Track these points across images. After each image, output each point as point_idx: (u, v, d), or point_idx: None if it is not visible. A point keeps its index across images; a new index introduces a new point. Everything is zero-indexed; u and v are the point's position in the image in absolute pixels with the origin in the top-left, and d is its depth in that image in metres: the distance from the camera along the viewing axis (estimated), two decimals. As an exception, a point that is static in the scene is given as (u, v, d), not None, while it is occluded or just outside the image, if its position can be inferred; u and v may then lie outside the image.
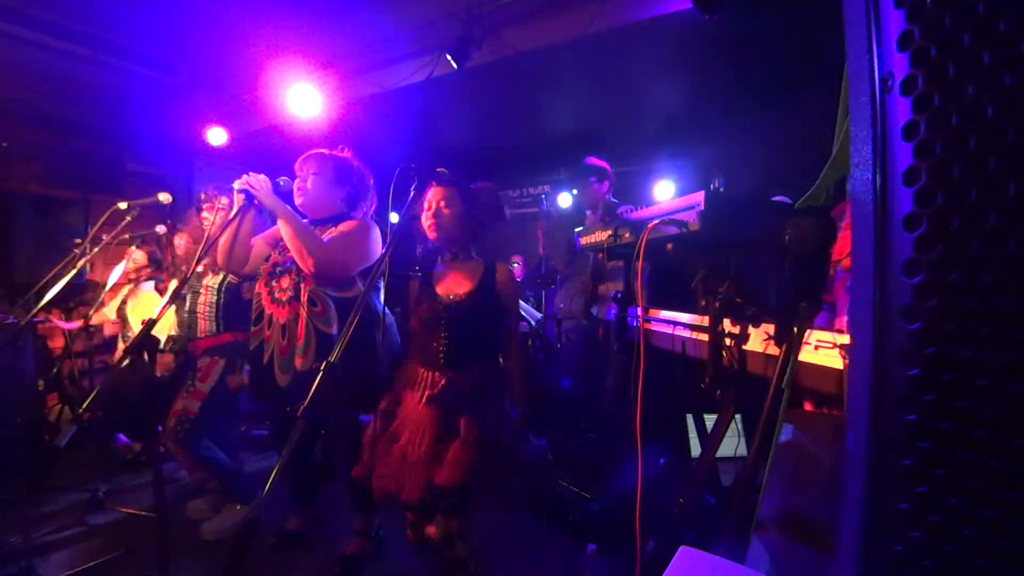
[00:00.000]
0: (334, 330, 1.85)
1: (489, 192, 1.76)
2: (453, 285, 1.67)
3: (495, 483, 1.61)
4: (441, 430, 1.57)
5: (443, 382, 1.61)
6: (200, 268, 2.39)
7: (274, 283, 1.91)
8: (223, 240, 1.89)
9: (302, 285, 1.85)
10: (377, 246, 1.94)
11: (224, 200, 2.27)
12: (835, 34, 0.62)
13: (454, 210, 1.66)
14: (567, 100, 4.01)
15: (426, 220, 1.68)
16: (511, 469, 1.66)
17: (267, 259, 1.96)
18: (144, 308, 3.11)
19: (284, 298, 1.88)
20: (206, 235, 2.33)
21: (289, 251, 1.90)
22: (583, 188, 3.03)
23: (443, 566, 1.68)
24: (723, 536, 1.20)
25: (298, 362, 1.81)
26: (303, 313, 1.83)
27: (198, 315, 2.34)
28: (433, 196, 1.68)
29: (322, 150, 2.01)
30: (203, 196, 2.35)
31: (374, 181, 2.12)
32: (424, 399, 1.61)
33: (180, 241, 2.61)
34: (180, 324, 2.44)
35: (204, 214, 2.34)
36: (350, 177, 2.01)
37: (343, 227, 1.93)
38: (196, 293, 2.36)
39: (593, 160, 3.08)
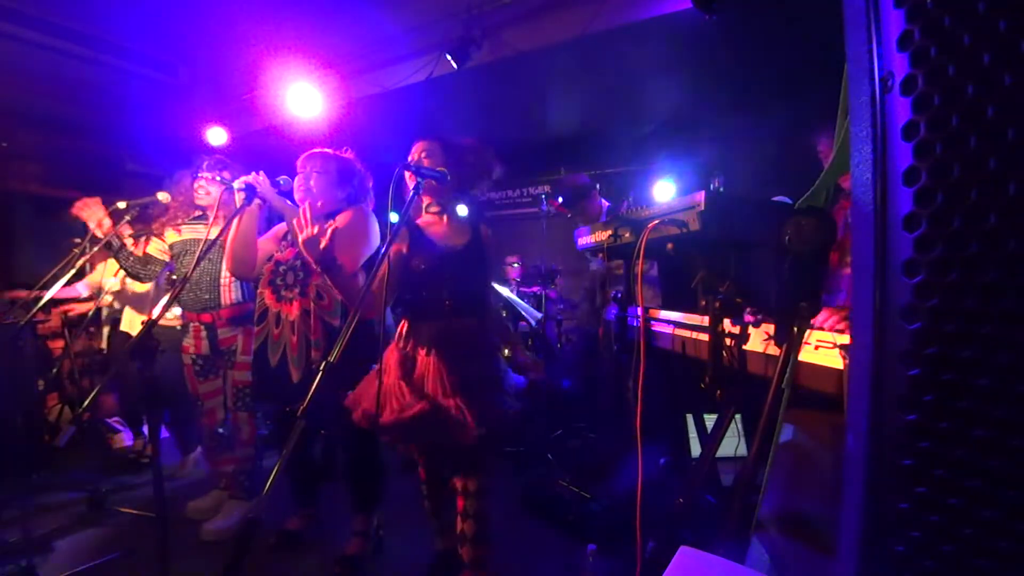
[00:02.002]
0: (339, 322, 1.90)
1: (475, 150, 1.75)
2: (447, 237, 1.70)
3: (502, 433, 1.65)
4: (454, 376, 1.59)
5: (447, 326, 1.64)
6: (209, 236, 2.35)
7: (279, 281, 1.91)
8: (227, 243, 1.90)
9: (308, 280, 1.88)
10: (377, 233, 1.96)
11: (227, 175, 2.27)
12: (835, 34, 0.62)
13: (434, 163, 1.66)
14: (567, 100, 4.01)
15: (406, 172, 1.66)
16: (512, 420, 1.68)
17: (269, 259, 1.97)
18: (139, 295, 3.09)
19: (291, 295, 1.89)
20: (205, 206, 2.30)
21: (291, 248, 1.91)
22: (579, 211, 3.03)
23: (454, 537, 1.72)
24: (723, 536, 1.20)
25: (315, 355, 1.85)
26: (313, 308, 1.84)
27: (221, 285, 2.30)
28: (416, 150, 1.71)
29: (327, 149, 2.02)
30: (205, 164, 2.30)
31: (374, 182, 2.13)
32: (432, 350, 1.63)
33: (163, 198, 2.34)
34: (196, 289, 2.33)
35: (200, 183, 2.29)
36: (352, 178, 2.03)
37: (341, 219, 1.92)
38: (212, 262, 2.31)
39: (572, 181, 3.08)
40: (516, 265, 4.46)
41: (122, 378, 3.26)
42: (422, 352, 1.65)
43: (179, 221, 2.37)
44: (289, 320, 1.90)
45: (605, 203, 3.06)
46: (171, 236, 2.38)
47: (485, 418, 1.55)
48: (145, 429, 3.22)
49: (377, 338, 1.80)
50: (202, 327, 2.30)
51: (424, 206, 1.75)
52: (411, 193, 1.53)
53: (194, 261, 1.66)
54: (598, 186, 3.11)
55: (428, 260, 1.65)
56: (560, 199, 3.08)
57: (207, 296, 2.29)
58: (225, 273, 2.30)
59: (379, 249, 1.95)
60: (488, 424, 1.55)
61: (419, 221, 1.76)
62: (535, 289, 3.99)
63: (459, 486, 1.68)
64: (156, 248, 2.38)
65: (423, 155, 1.68)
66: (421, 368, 1.63)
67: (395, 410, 1.54)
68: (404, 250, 1.69)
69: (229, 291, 2.31)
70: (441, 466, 1.76)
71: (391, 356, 1.70)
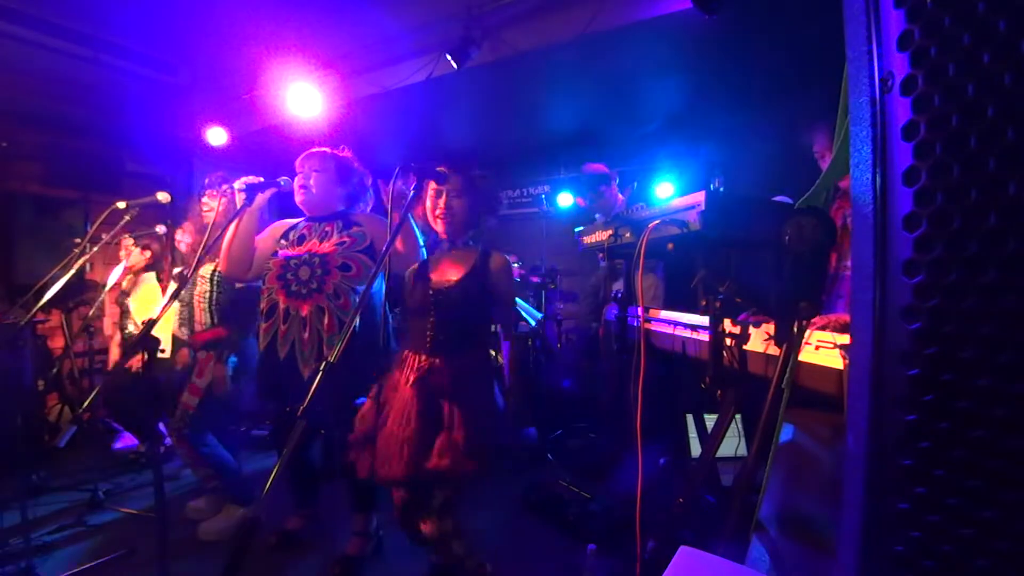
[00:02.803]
0: (357, 322, 1.90)
1: (489, 181, 1.74)
2: (446, 272, 1.67)
3: (486, 471, 1.56)
4: (426, 413, 1.55)
5: (427, 366, 1.60)
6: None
7: (289, 276, 1.90)
8: (225, 243, 1.89)
9: (327, 278, 1.87)
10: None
11: (227, 187, 2.28)
12: (835, 34, 0.62)
13: (463, 200, 1.64)
14: (567, 100, 4.01)
15: (435, 211, 1.65)
16: (502, 457, 1.63)
17: (274, 254, 1.96)
18: (145, 298, 3.11)
19: (304, 291, 1.89)
20: (210, 224, 2.34)
21: (301, 245, 1.93)
22: (595, 198, 3.00)
23: (441, 563, 1.69)
24: (723, 536, 1.20)
25: (327, 352, 1.84)
26: (328, 306, 1.84)
27: (195, 307, 2.33)
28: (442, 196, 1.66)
29: (324, 149, 2.02)
30: (207, 181, 2.32)
31: (372, 181, 2.14)
32: (410, 382, 1.60)
33: (185, 237, 2.52)
34: (181, 317, 2.41)
35: (204, 199, 2.30)
36: (351, 176, 2.04)
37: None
38: (192, 284, 2.32)
39: (594, 167, 3.06)
40: (516, 265, 4.45)
41: (113, 386, 3.27)
42: (404, 380, 1.63)
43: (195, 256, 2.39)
44: (300, 316, 1.88)
45: (621, 197, 3.04)
46: (206, 269, 2.40)
47: (457, 450, 1.50)
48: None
49: (377, 348, 1.82)
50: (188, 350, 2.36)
51: (440, 247, 1.73)
52: (411, 193, 1.53)
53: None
54: (617, 179, 3.07)
55: (420, 296, 1.65)
56: (575, 191, 3.06)
57: (188, 321, 2.33)
58: (197, 296, 2.32)
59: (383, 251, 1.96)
60: (460, 457, 1.50)
61: (431, 258, 1.74)
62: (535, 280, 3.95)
63: (432, 530, 1.60)
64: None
65: (452, 192, 1.64)
66: (399, 395, 1.62)
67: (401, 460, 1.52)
68: (410, 284, 1.71)
69: (201, 316, 2.32)
70: (419, 497, 1.67)
71: (390, 377, 1.69)
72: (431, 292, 1.63)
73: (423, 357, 1.62)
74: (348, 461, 1.60)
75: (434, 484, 1.56)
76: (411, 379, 1.60)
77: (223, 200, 2.24)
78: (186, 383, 2.27)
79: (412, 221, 1.85)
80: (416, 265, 1.75)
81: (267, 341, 1.92)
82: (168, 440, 3.17)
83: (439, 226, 1.67)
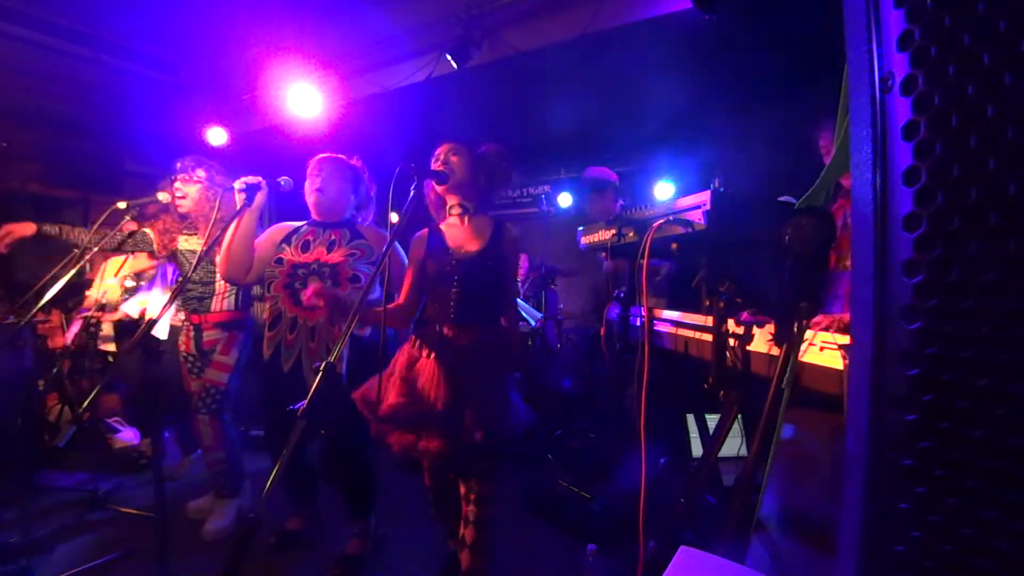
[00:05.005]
0: (366, 332, 1.94)
1: (497, 154, 1.75)
2: (464, 241, 1.68)
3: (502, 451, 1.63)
4: (454, 384, 1.58)
5: (452, 336, 1.63)
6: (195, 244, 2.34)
7: (297, 286, 1.89)
8: (224, 245, 1.87)
9: (338, 290, 1.87)
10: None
11: (201, 172, 2.26)
12: (835, 34, 0.62)
13: (462, 159, 1.68)
14: (567, 100, 4.01)
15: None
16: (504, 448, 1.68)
17: (280, 262, 1.93)
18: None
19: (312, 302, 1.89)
20: (185, 210, 2.32)
21: (306, 252, 1.91)
22: (598, 201, 2.97)
23: (455, 548, 1.74)
24: (723, 536, 1.20)
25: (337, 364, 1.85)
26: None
27: (215, 293, 2.31)
28: (440, 151, 1.70)
29: (340, 155, 2.04)
30: (179, 166, 2.31)
31: (373, 179, 2.14)
32: (433, 355, 1.63)
33: (163, 198, 2.36)
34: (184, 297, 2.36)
35: (177, 184, 2.28)
36: (360, 184, 2.06)
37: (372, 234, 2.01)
38: (206, 269, 2.30)
39: (602, 172, 3.03)
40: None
41: (127, 377, 3.29)
42: (425, 354, 1.64)
43: (172, 234, 2.38)
44: (308, 325, 1.87)
45: (619, 202, 3.02)
46: (182, 244, 2.39)
47: (485, 424, 1.55)
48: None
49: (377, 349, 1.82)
50: (191, 327, 2.33)
51: (448, 207, 1.74)
52: (411, 193, 1.53)
53: (194, 262, 1.67)
54: (616, 186, 3.02)
55: (439, 266, 1.66)
56: (574, 193, 3.02)
57: (197, 301, 2.30)
58: (220, 281, 2.30)
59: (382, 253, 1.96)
60: (488, 430, 1.54)
61: (441, 224, 1.75)
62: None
63: (463, 491, 1.66)
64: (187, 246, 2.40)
65: (449, 153, 1.68)
66: (422, 369, 1.63)
67: (391, 404, 1.56)
68: (421, 254, 1.71)
69: (222, 300, 2.31)
70: (444, 471, 1.74)
71: (401, 355, 1.70)
72: (454, 262, 1.65)
73: (446, 327, 1.63)
74: (383, 439, 1.61)
75: (474, 456, 1.59)
76: (434, 352, 1.62)
77: (198, 187, 2.24)
78: (206, 363, 2.28)
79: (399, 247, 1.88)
80: (426, 232, 1.76)
81: (271, 351, 1.90)
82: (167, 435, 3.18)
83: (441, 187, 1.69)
